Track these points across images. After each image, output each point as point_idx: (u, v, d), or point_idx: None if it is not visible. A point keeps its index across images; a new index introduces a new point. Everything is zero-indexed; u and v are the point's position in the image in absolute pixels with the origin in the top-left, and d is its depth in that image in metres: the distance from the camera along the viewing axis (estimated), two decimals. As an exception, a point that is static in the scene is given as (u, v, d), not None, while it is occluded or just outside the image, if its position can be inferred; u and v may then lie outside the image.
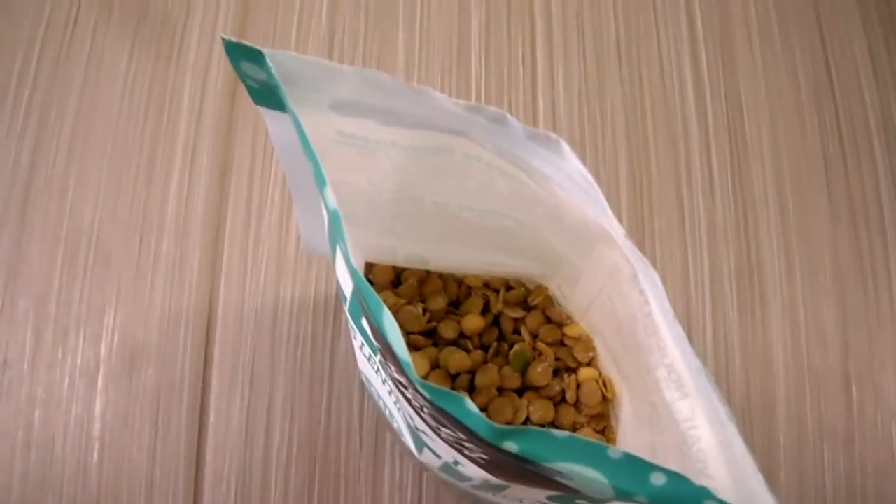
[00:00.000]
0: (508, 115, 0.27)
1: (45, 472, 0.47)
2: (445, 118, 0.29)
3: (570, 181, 0.29)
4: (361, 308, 0.28)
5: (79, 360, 0.49)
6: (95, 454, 0.47)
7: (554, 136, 0.27)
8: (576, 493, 0.27)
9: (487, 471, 0.29)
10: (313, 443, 0.48)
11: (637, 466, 0.23)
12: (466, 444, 0.27)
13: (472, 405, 0.23)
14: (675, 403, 0.29)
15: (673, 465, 0.26)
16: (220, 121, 0.55)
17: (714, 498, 0.22)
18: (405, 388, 0.27)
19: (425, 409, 0.27)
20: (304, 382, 0.49)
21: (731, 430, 0.26)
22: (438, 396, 0.23)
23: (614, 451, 0.23)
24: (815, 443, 0.49)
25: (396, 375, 0.27)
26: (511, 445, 0.23)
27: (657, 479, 0.23)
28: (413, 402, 0.28)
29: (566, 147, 0.27)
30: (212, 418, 0.48)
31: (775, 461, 0.48)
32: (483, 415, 0.23)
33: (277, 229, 0.52)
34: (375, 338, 0.27)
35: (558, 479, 0.25)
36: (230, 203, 0.53)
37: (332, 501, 0.47)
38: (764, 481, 0.24)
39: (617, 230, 0.29)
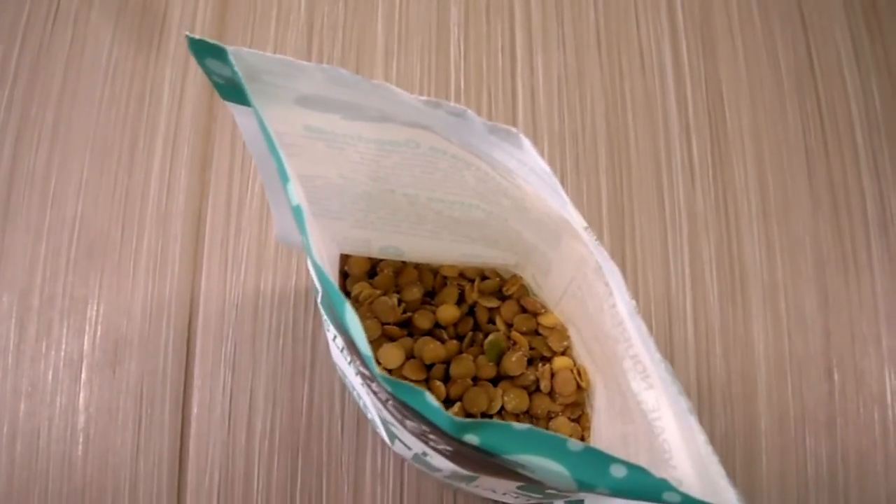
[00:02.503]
0: (468, 110, 0.27)
1: (31, 465, 0.47)
2: (408, 112, 0.29)
3: (532, 174, 0.29)
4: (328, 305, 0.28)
5: (62, 353, 0.49)
6: (80, 446, 0.47)
7: (514, 129, 0.27)
8: (541, 484, 0.28)
9: (454, 462, 0.29)
10: (295, 433, 0.48)
11: (597, 459, 0.23)
12: (431, 437, 0.27)
13: (432, 399, 0.23)
14: (641, 394, 0.29)
15: (643, 456, 0.27)
16: (200, 112, 0.54)
17: (674, 490, 0.23)
18: (370, 381, 0.27)
19: (390, 402, 0.27)
20: (285, 373, 0.49)
21: (693, 424, 0.26)
22: (399, 390, 0.23)
23: (574, 444, 0.23)
24: (796, 429, 0.49)
25: (361, 369, 0.27)
26: (472, 438, 0.23)
27: (617, 472, 0.23)
28: (379, 394, 0.28)
29: (525, 141, 0.27)
30: (195, 410, 0.48)
31: (757, 447, 0.49)
32: (443, 408, 0.23)
33: (258, 220, 0.52)
34: (339, 332, 0.27)
35: (521, 470, 0.25)
36: (211, 194, 0.53)
37: (314, 491, 0.47)
38: (725, 474, 0.25)
39: (577, 222, 0.29)
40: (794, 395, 0.50)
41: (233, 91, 0.29)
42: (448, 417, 0.23)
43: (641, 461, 0.30)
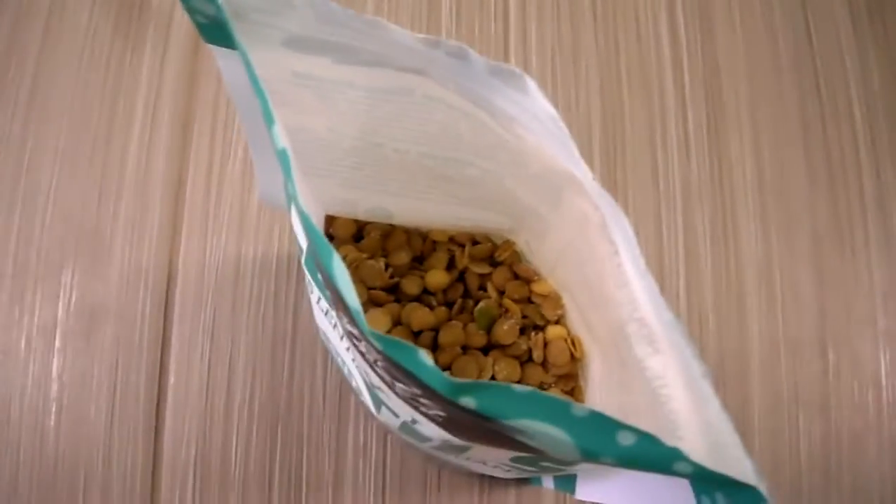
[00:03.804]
0: (469, 49, 0.26)
1: (2, 435, 0.46)
2: (404, 54, 0.27)
3: (535, 121, 0.28)
4: (315, 259, 0.26)
5: (36, 320, 0.48)
6: (53, 416, 0.46)
7: (518, 70, 0.25)
8: (540, 453, 0.26)
9: (446, 429, 0.28)
10: (275, 404, 0.47)
11: (604, 425, 0.22)
12: (423, 401, 0.25)
13: (425, 356, 0.21)
14: (646, 360, 0.28)
15: (643, 427, 0.25)
16: (181, 75, 0.53)
17: (685, 459, 0.21)
18: (358, 340, 0.26)
19: (379, 363, 0.25)
20: (266, 342, 0.48)
21: (706, 389, 0.24)
22: (390, 347, 0.22)
23: (579, 409, 0.21)
24: (790, 409, 0.48)
25: (349, 327, 0.26)
26: (468, 401, 0.22)
27: (625, 439, 0.22)
28: (367, 355, 0.26)
29: (531, 83, 0.26)
30: (171, 379, 0.47)
31: (749, 427, 0.48)
32: (438, 368, 0.21)
33: (240, 185, 0.51)
34: (327, 286, 0.26)
35: (519, 438, 0.24)
36: (191, 159, 0.51)
37: (294, 464, 0.46)
38: (741, 443, 0.23)
39: (586, 174, 0.27)
40: (788, 375, 0.49)
41: (217, 32, 0.28)
42: (443, 378, 0.21)
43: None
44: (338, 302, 0.25)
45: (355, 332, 0.25)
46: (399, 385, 0.26)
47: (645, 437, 0.21)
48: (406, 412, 0.29)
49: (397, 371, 0.24)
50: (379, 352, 0.23)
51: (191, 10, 0.27)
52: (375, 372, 0.27)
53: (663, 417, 0.26)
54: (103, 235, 0.49)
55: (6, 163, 0.51)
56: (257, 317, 0.48)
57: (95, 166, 0.51)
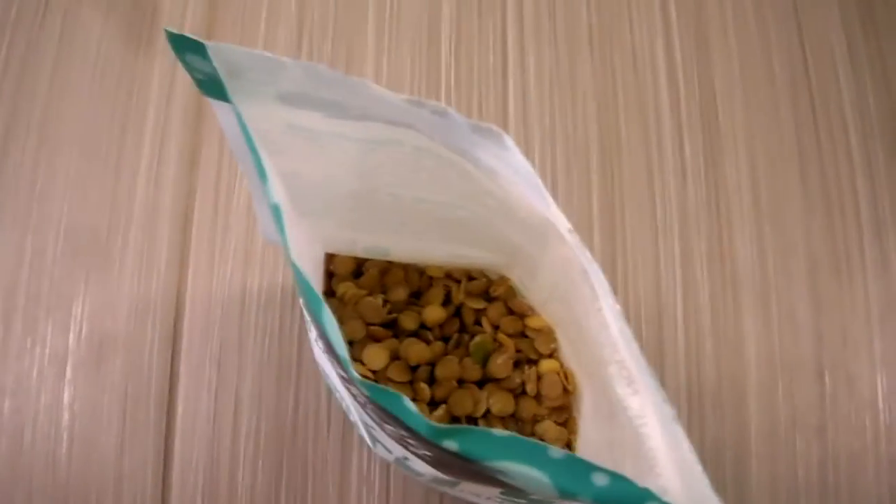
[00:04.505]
0: (450, 110, 0.27)
1: (15, 464, 0.46)
2: (390, 111, 0.29)
3: (516, 175, 0.29)
4: (307, 309, 0.28)
5: (48, 350, 0.49)
6: (64, 445, 0.47)
7: (496, 128, 0.27)
8: (522, 490, 0.27)
9: (435, 467, 0.29)
10: (281, 434, 0.47)
11: (578, 467, 0.23)
12: (410, 441, 0.26)
13: (409, 403, 0.23)
14: (626, 399, 0.29)
15: (629, 462, 0.26)
16: (188, 108, 0.54)
17: (657, 499, 0.22)
18: (349, 384, 0.27)
19: (368, 406, 0.27)
20: (271, 373, 0.48)
21: (678, 431, 0.25)
22: (376, 394, 0.23)
23: (555, 452, 0.23)
24: (786, 432, 0.49)
25: (340, 371, 0.27)
26: (451, 444, 0.23)
27: (599, 480, 0.23)
28: (357, 398, 0.27)
29: (508, 140, 0.27)
30: (180, 409, 0.48)
31: (746, 451, 0.48)
32: (420, 412, 0.22)
33: (246, 218, 0.51)
34: (318, 334, 0.27)
35: (501, 477, 0.25)
36: (198, 191, 0.52)
37: (299, 493, 0.46)
38: (709, 483, 0.24)
39: (562, 224, 0.28)
40: (785, 399, 0.49)
41: (214, 87, 0.29)
42: (426, 423, 0.22)
43: (627, 468, 0.29)
44: (329, 350, 0.26)
45: (346, 375, 0.26)
46: (388, 426, 0.27)
47: (617, 479, 0.23)
48: (398, 450, 0.30)
49: (385, 414, 0.25)
50: (366, 396, 0.24)
51: (189, 68, 0.28)
52: (367, 413, 0.28)
53: (643, 455, 0.27)
54: (113, 267, 0.50)
55: (18, 192, 0.51)
56: (263, 348, 0.49)
57: (105, 199, 0.51)
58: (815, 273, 0.52)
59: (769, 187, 0.53)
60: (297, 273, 0.24)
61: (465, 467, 0.26)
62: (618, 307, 0.27)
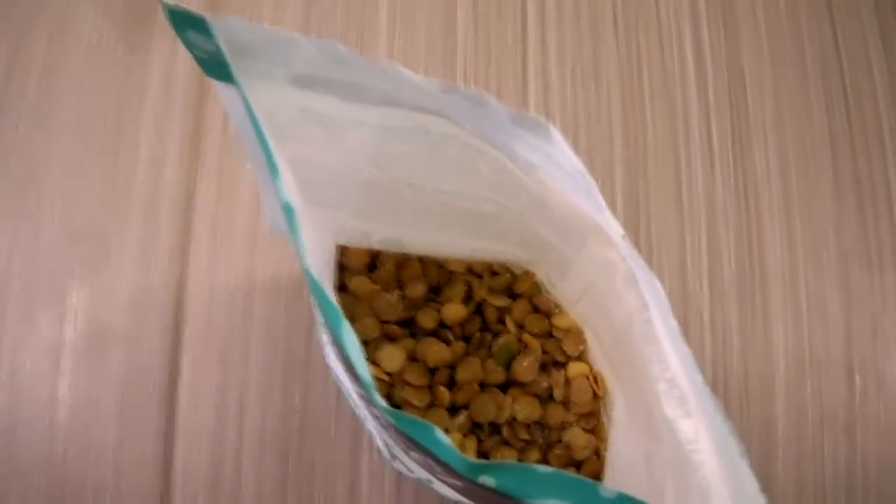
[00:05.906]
0: (489, 98, 0.24)
1: (12, 458, 0.45)
2: (418, 96, 0.26)
3: (559, 170, 0.27)
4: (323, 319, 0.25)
5: (43, 342, 0.47)
6: (61, 440, 0.45)
7: (542, 120, 0.24)
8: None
9: (463, 495, 0.26)
10: (287, 433, 0.46)
11: None
12: (439, 469, 0.24)
13: (442, 435, 0.20)
14: (677, 421, 0.27)
15: (670, 485, 0.24)
16: (190, 88, 0.52)
17: None
18: (370, 404, 0.25)
19: (391, 430, 0.24)
20: (278, 368, 0.47)
21: (744, 469, 0.23)
22: (404, 424, 0.21)
23: (607, 491, 0.20)
24: (814, 431, 0.48)
25: (360, 391, 0.25)
26: (488, 480, 0.21)
27: None
28: (380, 420, 0.25)
29: (556, 133, 0.24)
30: (181, 404, 0.46)
31: (773, 449, 0.47)
32: (455, 447, 0.20)
33: (251, 205, 0.50)
34: (336, 350, 0.25)
35: None
36: (201, 177, 0.50)
37: (305, 495, 0.45)
38: None
39: (614, 230, 0.26)
40: (813, 397, 0.48)
41: (218, 67, 0.26)
42: (461, 457, 0.20)
43: (668, 489, 0.27)
44: (347, 367, 0.24)
45: (366, 395, 0.24)
46: (414, 453, 0.24)
47: None
48: (422, 473, 0.28)
49: (412, 443, 0.23)
50: (392, 424, 0.22)
51: (190, 46, 0.26)
52: (389, 434, 0.26)
53: (695, 482, 0.25)
54: (111, 256, 0.48)
55: (10, 177, 0.50)
56: (269, 340, 0.47)
57: (103, 185, 0.50)
58: (846, 266, 0.51)
59: (799, 176, 0.52)
60: (315, 287, 0.22)
61: (498, 500, 0.23)
62: (676, 324, 0.25)
